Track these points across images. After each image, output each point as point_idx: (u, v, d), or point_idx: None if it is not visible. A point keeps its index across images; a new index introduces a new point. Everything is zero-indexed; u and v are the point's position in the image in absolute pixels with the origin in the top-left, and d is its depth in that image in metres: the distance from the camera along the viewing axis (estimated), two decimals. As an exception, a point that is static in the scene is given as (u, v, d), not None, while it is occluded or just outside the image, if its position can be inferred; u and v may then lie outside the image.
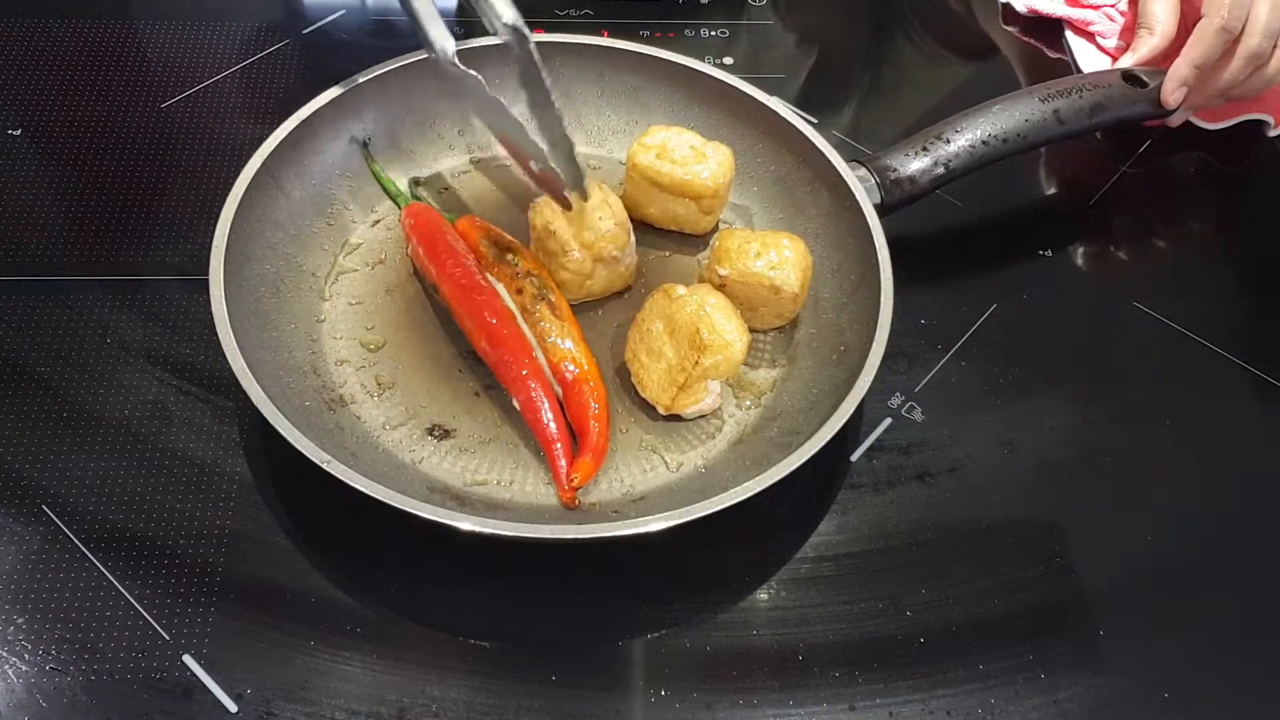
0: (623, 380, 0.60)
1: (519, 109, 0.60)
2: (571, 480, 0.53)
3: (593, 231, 0.60)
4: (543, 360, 0.57)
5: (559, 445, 0.54)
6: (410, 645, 0.50)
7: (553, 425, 0.55)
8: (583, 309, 0.63)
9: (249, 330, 0.55)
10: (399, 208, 0.66)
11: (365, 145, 0.67)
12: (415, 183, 0.68)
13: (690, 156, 0.64)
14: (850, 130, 0.79)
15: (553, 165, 0.59)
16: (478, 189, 0.70)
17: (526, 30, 0.59)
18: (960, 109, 0.67)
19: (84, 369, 0.60)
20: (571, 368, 0.57)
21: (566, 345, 0.57)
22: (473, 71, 0.59)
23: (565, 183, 0.60)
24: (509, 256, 0.61)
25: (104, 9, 0.83)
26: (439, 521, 0.47)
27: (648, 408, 0.58)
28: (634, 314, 0.60)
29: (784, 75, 0.83)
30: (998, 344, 0.65)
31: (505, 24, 0.60)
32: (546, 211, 0.61)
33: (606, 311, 0.64)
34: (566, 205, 0.60)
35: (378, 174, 0.67)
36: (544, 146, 0.60)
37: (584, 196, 0.61)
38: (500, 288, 0.60)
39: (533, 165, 0.60)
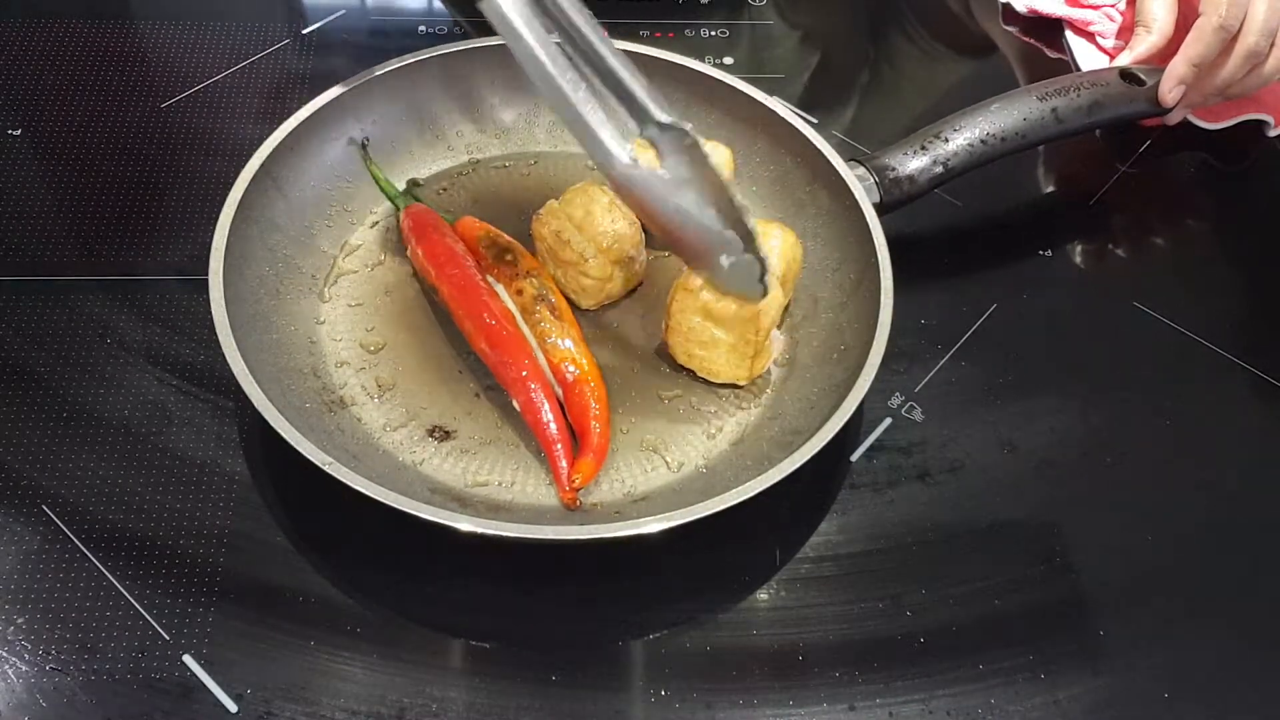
0: (623, 380, 0.60)
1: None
2: (573, 481, 0.53)
3: (608, 235, 0.60)
4: (543, 361, 0.57)
5: (559, 446, 0.54)
6: (410, 645, 0.50)
7: (553, 426, 0.55)
8: (581, 309, 0.63)
9: (249, 332, 0.55)
10: (398, 209, 0.66)
11: (364, 146, 0.67)
12: (414, 184, 0.68)
13: None
14: (849, 130, 0.79)
15: (743, 254, 0.53)
16: (477, 189, 0.70)
17: (685, 124, 0.52)
18: (959, 108, 0.67)
19: (84, 369, 0.60)
20: (572, 368, 0.57)
21: (566, 346, 0.57)
22: (659, 170, 0.52)
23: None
24: (508, 257, 0.61)
25: (104, 9, 0.83)
26: (440, 523, 0.47)
27: (648, 407, 0.58)
28: (633, 313, 0.60)
29: (784, 75, 0.83)
30: (998, 344, 0.65)
31: (659, 122, 0.52)
32: (553, 221, 0.61)
33: (605, 311, 0.63)
34: (764, 294, 0.54)
35: (376, 175, 0.67)
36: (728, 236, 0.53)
37: (764, 292, 0.55)
38: (500, 289, 0.60)
39: (724, 260, 0.53)
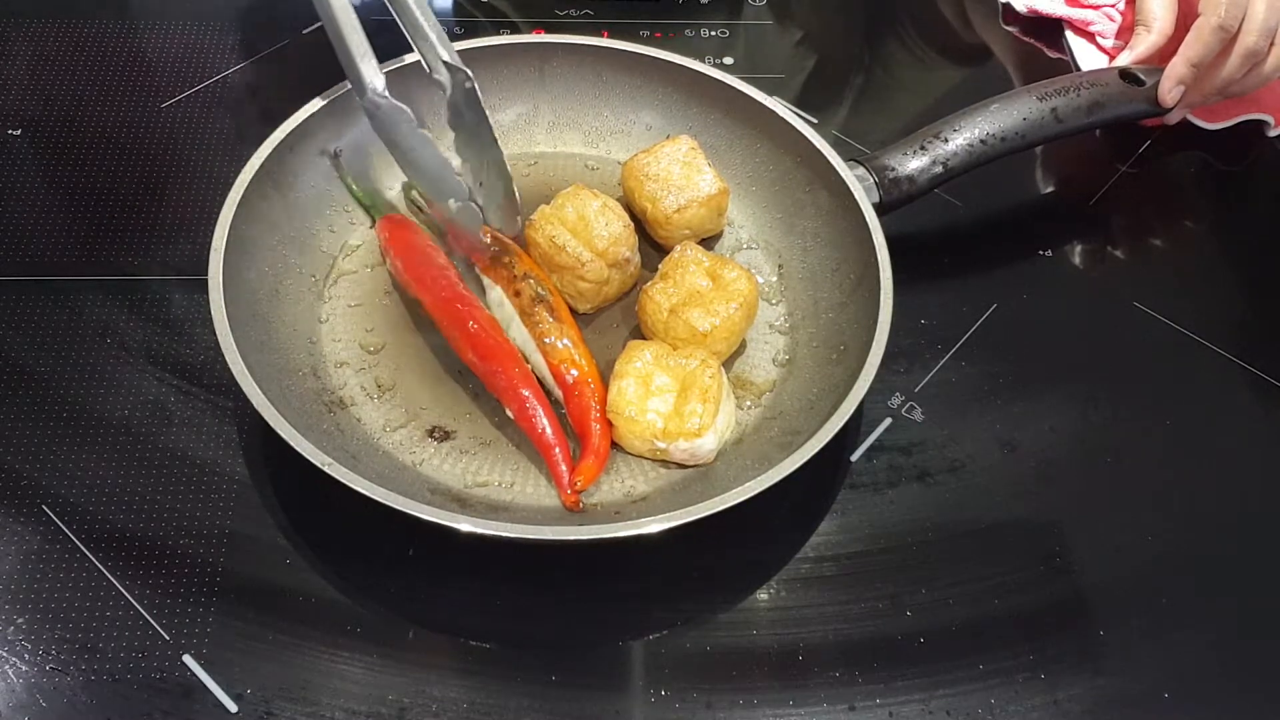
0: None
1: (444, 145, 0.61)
2: (575, 484, 0.53)
3: (603, 238, 0.60)
4: (541, 362, 0.57)
5: (558, 450, 0.54)
6: (410, 645, 0.50)
7: (549, 431, 0.54)
8: (579, 313, 0.63)
9: (249, 333, 0.55)
10: (373, 220, 0.65)
11: (336, 156, 0.66)
12: (411, 185, 0.68)
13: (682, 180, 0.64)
14: (849, 130, 0.79)
15: (476, 202, 0.59)
16: (477, 189, 0.70)
17: (467, 69, 0.59)
18: (959, 108, 0.67)
19: (84, 369, 0.60)
20: (572, 370, 0.57)
21: (565, 346, 0.57)
22: (403, 105, 0.58)
23: (497, 220, 0.62)
24: (505, 259, 0.60)
25: (104, 9, 0.83)
26: (440, 523, 0.47)
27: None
28: (630, 315, 0.60)
29: (783, 75, 0.83)
30: (998, 344, 0.65)
31: (445, 62, 0.59)
32: (548, 227, 0.61)
33: (602, 314, 0.63)
34: (481, 251, 0.60)
35: (350, 186, 0.66)
36: (480, 183, 0.61)
37: (517, 230, 0.63)
38: (497, 291, 0.60)
39: (452, 204, 0.59)
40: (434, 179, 0.59)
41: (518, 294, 0.59)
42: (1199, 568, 0.56)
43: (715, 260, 0.60)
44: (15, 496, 0.54)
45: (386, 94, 0.57)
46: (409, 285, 0.61)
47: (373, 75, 0.58)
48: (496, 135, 0.60)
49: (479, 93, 0.60)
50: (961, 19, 0.90)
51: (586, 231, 0.60)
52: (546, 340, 0.57)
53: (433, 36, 0.60)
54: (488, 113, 0.60)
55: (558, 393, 0.57)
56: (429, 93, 0.61)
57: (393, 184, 0.68)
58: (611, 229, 0.60)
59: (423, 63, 0.61)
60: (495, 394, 0.57)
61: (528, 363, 0.58)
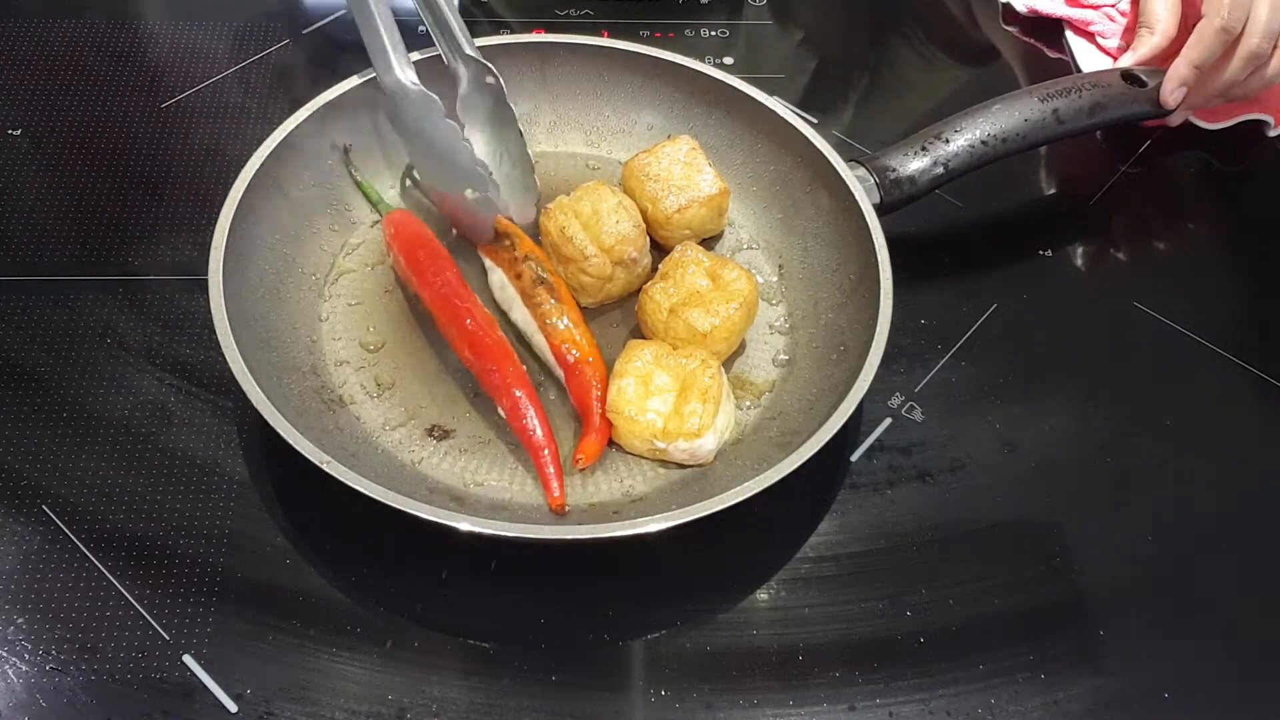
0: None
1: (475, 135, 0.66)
2: (577, 461, 0.54)
3: (611, 235, 0.60)
4: (542, 343, 0.58)
5: (546, 451, 0.54)
6: (410, 645, 0.50)
7: (539, 432, 0.54)
8: (581, 307, 0.63)
9: (249, 332, 0.55)
10: (380, 214, 0.65)
11: (346, 151, 0.66)
12: (414, 184, 0.68)
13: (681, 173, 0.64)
14: (850, 130, 0.79)
15: (492, 193, 0.62)
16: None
17: (489, 62, 0.64)
18: (960, 109, 0.67)
19: (84, 369, 0.60)
20: (573, 350, 0.57)
21: (567, 326, 0.57)
22: (433, 94, 0.62)
23: (515, 210, 0.64)
24: (506, 241, 0.61)
25: (104, 9, 0.83)
26: (439, 522, 0.47)
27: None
28: (633, 314, 0.60)
29: (783, 75, 0.83)
30: (998, 344, 0.65)
31: (466, 55, 0.64)
32: (560, 216, 0.61)
33: (607, 311, 0.63)
34: (492, 236, 0.62)
35: (359, 182, 0.66)
36: (504, 169, 0.65)
37: (531, 219, 0.65)
38: (499, 273, 0.60)
39: (469, 193, 0.63)
40: (457, 168, 0.62)
41: (519, 276, 0.59)
42: (1199, 568, 0.56)
43: (715, 260, 0.60)
44: (15, 496, 0.54)
45: (418, 82, 0.61)
46: (410, 280, 0.61)
47: (404, 63, 0.62)
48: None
49: (503, 83, 0.64)
50: (968, 18, 0.90)
51: (597, 227, 0.60)
52: (548, 321, 0.57)
53: (457, 31, 0.64)
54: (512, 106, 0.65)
55: (559, 372, 0.57)
56: (449, 84, 0.65)
57: (400, 180, 0.68)
58: (621, 228, 0.60)
59: (443, 55, 0.65)
60: (489, 392, 0.57)
61: (530, 344, 0.58)
